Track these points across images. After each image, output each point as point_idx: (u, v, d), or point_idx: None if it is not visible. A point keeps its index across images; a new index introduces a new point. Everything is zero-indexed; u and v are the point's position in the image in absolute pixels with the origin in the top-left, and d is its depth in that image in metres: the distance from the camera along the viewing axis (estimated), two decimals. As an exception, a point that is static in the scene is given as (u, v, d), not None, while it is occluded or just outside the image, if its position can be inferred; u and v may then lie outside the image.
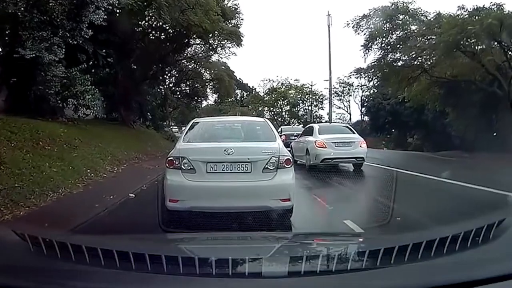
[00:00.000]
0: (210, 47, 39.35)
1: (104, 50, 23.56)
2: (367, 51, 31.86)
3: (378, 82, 38.52)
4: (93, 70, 24.02)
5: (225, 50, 39.29)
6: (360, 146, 18.62)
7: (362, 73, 35.47)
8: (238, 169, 7.86)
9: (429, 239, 2.45)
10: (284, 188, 7.81)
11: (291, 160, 8.14)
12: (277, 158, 7.89)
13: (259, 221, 7.26)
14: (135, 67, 32.31)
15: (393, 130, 52.23)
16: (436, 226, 4.00)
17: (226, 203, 7.45)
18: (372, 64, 32.59)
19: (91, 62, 23.33)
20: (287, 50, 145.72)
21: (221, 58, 41.77)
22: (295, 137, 22.91)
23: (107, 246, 2.34)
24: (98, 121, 26.68)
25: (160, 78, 42.05)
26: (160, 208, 6.67)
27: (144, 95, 37.31)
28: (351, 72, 36.46)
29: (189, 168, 7.76)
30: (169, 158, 7.98)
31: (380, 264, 2.21)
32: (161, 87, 46.31)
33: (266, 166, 7.83)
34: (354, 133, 20.51)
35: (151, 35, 30.51)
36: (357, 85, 67.37)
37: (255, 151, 8.08)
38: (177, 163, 7.89)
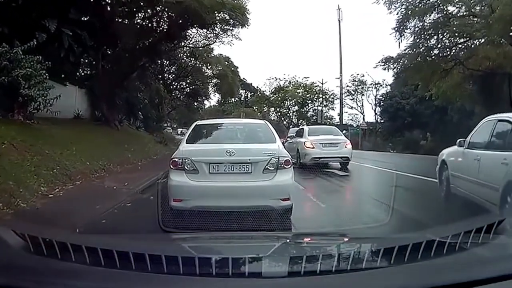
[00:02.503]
0: (211, 32, 35.82)
1: (74, 31, 21.69)
2: (400, 35, 31.09)
3: (406, 75, 36.39)
4: (66, 57, 22.37)
5: (227, 33, 34.79)
6: (345, 147, 21.62)
7: (391, 64, 34.29)
8: (239, 169, 9.02)
9: (429, 239, 2.66)
10: (284, 188, 8.95)
11: (290, 161, 9.36)
12: (277, 159, 9.04)
13: (259, 221, 8.19)
14: (119, 57, 30.18)
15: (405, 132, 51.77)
16: (436, 226, 4.26)
17: (228, 203, 8.54)
18: (404, 52, 32.03)
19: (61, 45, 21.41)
20: (295, 48, 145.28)
21: (223, 44, 36.84)
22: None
23: (107, 246, 2.53)
24: (75, 122, 25.30)
25: (151, 71, 40.74)
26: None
27: (133, 92, 36.00)
28: (378, 63, 35.44)
29: (192, 169, 8.91)
30: (173, 159, 9.12)
31: (380, 264, 2.44)
32: (153, 82, 44.41)
33: (267, 166, 8.98)
34: (340, 135, 23.59)
35: (137, 16, 29.20)
36: (371, 83, 66.72)
37: (255, 152, 9.23)
38: (180, 164, 9.00)
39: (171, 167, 9.13)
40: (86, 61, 27.60)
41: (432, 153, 36.55)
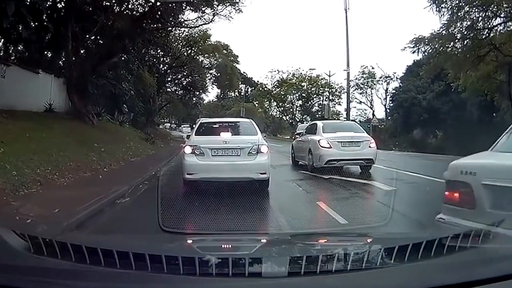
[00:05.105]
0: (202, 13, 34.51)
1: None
2: (437, 7, 30.45)
3: (437, 60, 35.47)
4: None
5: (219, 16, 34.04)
6: (369, 147, 19.68)
7: (421, 45, 33.46)
8: (232, 153, 15.06)
9: (429, 239, 2.90)
10: (262, 165, 14.95)
11: (267, 148, 15.41)
12: (257, 146, 15.12)
13: (246, 190, 13.49)
14: (94, 37, 29.37)
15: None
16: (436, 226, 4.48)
17: (224, 175, 14.39)
18: (438, 32, 31.45)
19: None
20: (299, 38, 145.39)
21: (220, 17, 34.45)
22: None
23: (107, 246, 2.75)
24: (41, 115, 23.70)
25: (137, 56, 39.08)
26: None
27: (116, 81, 34.30)
28: (407, 44, 34.71)
29: (200, 152, 14.92)
30: (187, 146, 15.41)
31: (380, 264, 2.67)
32: (142, 72, 42.90)
33: (250, 151, 15.00)
34: (362, 131, 21.33)
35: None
36: (381, 76, 67.21)
37: (242, 141, 15.37)
38: (192, 149, 15.01)
39: (185, 152, 15.21)
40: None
41: (439, 152, 36.35)
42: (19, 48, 26.55)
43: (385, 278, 2.57)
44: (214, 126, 17.55)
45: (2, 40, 22.04)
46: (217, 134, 16.06)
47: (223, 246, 3.78)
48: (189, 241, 4.06)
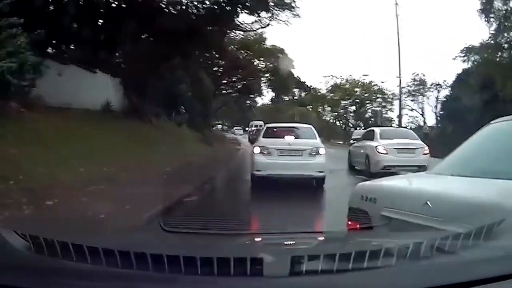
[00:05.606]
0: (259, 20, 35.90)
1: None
2: (486, 17, 31.38)
3: (484, 69, 35.54)
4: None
5: (276, 20, 35.12)
6: (423, 154, 20.82)
7: (471, 54, 33.48)
8: (295, 154, 18.19)
9: (429, 239, 2.89)
10: (320, 165, 18.20)
11: (324, 150, 18.75)
12: (316, 148, 18.43)
13: (307, 185, 18.07)
14: (154, 38, 29.42)
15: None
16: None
17: (288, 172, 17.67)
18: (487, 42, 32.18)
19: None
20: (351, 44, 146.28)
21: (279, 22, 35.86)
22: None
23: (108, 245, 2.77)
24: (99, 114, 24.12)
25: (196, 59, 39.34)
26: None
27: (175, 82, 34.81)
28: (458, 53, 34.73)
29: (267, 152, 18.24)
30: (256, 147, 19.05)
31: (381, 264, 2.62)
32: (199, 73, 43.13)
33: (310, 152, 18.23)
34: (417, 138, 22.43)
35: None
36: (431, 84, 68.06)
37: (304, 144, 18.65)
38: (261, 149, 18.35)
39: (254, 152, 18.81)
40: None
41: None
42: (71, 47, 26.75)
43: (386, 277, 2.56)
44: (279, 130, 20.81)
45: (59, 39, 22.30)
46: (282, 137, 19.40)
47: (224, 245, 3.77)
48: (190, 241, 4.06)
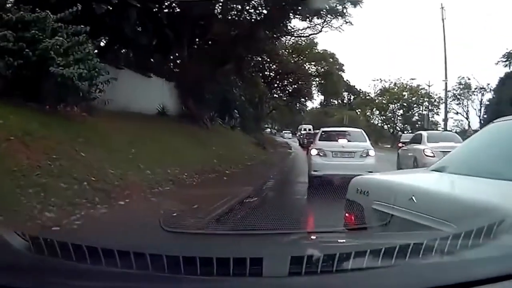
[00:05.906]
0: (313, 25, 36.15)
1: (144, 3, 20.55)
2: None
3: None
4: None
5: (328, 26, 35.37)
6: None
7: None
8: (348, 155, 19.38)
9: (429, 238, 2.86)
10: (370, 165, 18.65)
11: (374, 152, 19.97)
12: (367, 151, 19.60)
13: None
14: (210, 43, 30.01)
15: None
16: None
17: (341, 172, 16.87)
18: None
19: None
20: (400, 48, 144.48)
21: (331, 28, 35.87)
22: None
23: (107, 245, 2.76)
24: (155, 118, 24.59)
25: (249, 64, 39.66)
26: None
27: (228, 86, 35.09)
28: (500, 58, 34.81)
29: (323, 154, 19.51)
30: (312, 149, 20.17)
31: (381, 264, 2.58)
32: (252, 77, 43.84)
33: (361, 154, 19.39)
34: (462, 142, 20.97)
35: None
36: (475, 88, 67.99)
37: (356, 146, 19.74)
38: (317, 151, 19.50)
39: (311, 154, 19.96)
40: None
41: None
42: (123, 51, 27.07)
43: (386, 278, 2.52)
44: (333, 133, 22.33)
45: (118, 45, 22.78)
46: (335, 140, 20.88)
47: (224, 245, 3.76)
48: (190, 241, 4.06)
